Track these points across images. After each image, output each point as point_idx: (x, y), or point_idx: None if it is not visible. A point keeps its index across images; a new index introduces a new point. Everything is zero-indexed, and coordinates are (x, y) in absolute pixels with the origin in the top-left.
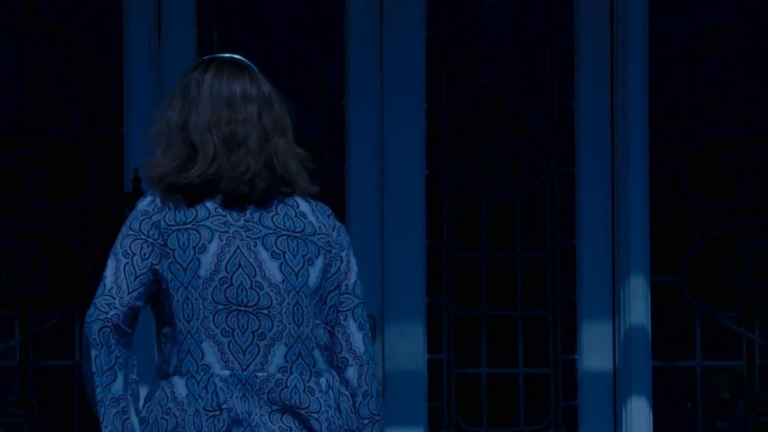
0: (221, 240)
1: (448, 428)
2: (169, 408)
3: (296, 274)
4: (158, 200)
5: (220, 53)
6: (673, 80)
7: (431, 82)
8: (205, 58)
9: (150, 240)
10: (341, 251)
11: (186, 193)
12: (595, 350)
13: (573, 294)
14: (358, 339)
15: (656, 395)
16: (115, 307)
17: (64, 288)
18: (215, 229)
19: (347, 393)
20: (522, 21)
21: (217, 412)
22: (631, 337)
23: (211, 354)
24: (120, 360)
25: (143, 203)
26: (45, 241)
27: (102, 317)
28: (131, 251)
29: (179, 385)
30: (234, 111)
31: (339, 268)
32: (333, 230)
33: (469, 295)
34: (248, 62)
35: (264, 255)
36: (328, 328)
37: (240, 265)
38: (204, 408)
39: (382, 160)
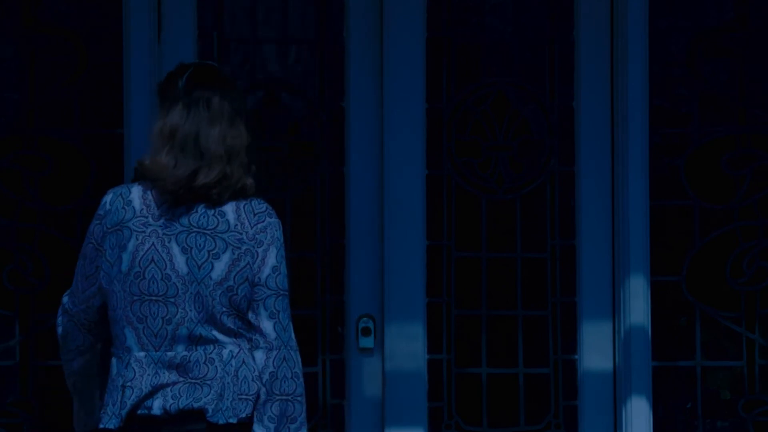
0: (137, 239)
1: (448, 428)
2: (106, 383)
3: (199, 267)
4: (108, 202)
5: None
6: (673, 80)
7: (431, 82)
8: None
9: (95, 244)
10: (257, 247)
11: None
12: (595, 350)
13: (573, 294)
14: (267, 326)
15: (656, 395)
16: (75, 305)
17: (64, 288)
18: (134, 230)
19: (254, 365)
20: (522, 21)
21: (129, 388)
22: (631, 337)
23: (131, 338)
24: (81, 347)
25: (101, 207)
26: (45, 241)
27: (67, 312)
28: (84, 254)
29: (113, 363)
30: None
31: (248, 263)
32: (253, 228)
33: (469, 295)
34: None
35: (175, 250)
36: (241, 315)
37: (153, 260)
38: (122, 384)
39: (382, 160)
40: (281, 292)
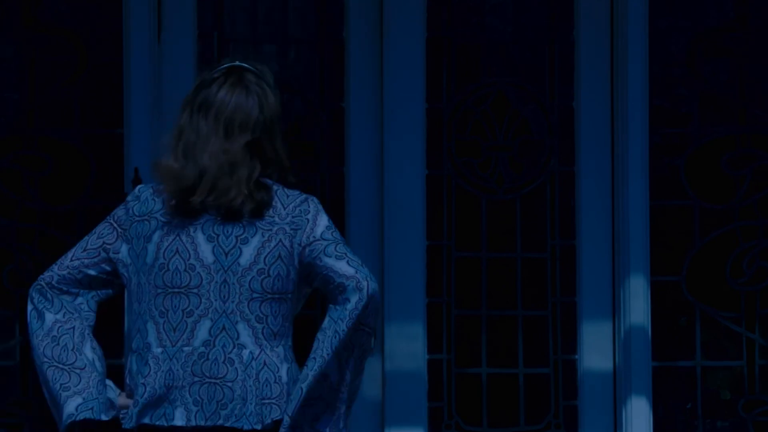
0: (163, 230)
1: (448, 428)
2: (126, 380)
3: (226, 254)
4: (138, 190)
5: (225, 56)
6: (673, 80)
7: (431, 82)
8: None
9: (115, 225)
10: (304, 215)
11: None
12: (595, 350)
13: (573, 294)
14: (341, 266)
15: (656, 395)
16: (51, 271)
17: None
18: (160, 220)
19: (278, 365)
20: (522, 21)
21: (142, 386)
22: (631, 337)
23: (152, 333)
24: (52, 308)
25: (131, 194)
26: (45, 241)
27: (38, 282)
28: (95, 231)
29: (132, 360)
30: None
31: (280, 241)
32: (286, 208)
33: (469, 295)
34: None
35: (200, 239)
36: (276, 296)
37: (177, 251)
38: (141, 382)
39: (382, 160)
40: (340, 241)
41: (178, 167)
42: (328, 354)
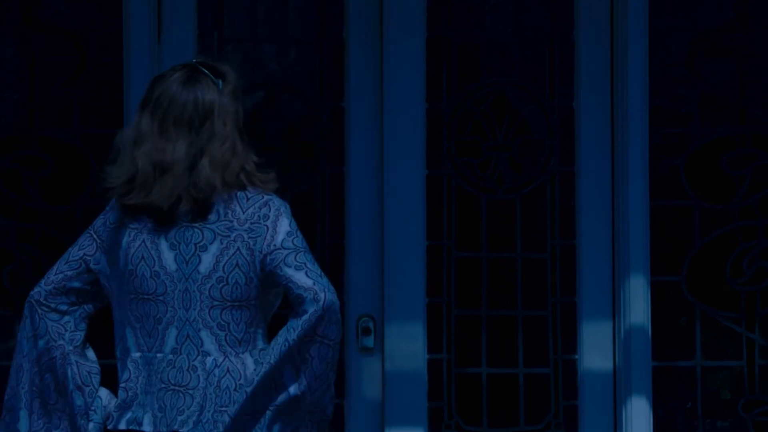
0: (129, 236)
1: (448, 428)
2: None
3: (187, 262)
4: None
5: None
6: (673, 80)
7: (431, 82)
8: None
9: (94, 235)
10: (263, 222)
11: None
12: (595, 350)
13: (573, 294)
14: (299, 277)
15: (656, 395)
16: (39, 287)
17: None
18: (129, 225)
19: (241, 372)
20: (522, 21)
21: (124, 390)
22: (631, 337)
23: (131, 338)
24: (37, 331)
25: (109, 203)
26: (45, 241)
27: (29, 299)
28: (77, 243)
29: (118, 367)
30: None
31: (237, 249)
32: (246, 212)
33: (469, 295)
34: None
35: (164, 246)
36: (236, 304)
37: (143, 257)
38: (121, 386)
39: (382, 160)
40: (301, 249)
41: (116, 167)
42: (274, 359)
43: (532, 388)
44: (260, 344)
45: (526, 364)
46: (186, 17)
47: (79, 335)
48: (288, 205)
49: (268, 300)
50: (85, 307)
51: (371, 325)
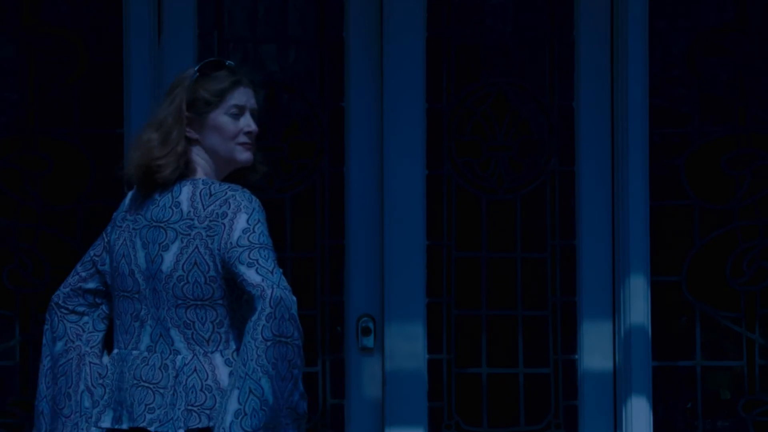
0: (116, 234)
1: (448, 428)
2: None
3: (153, 261)
4: (126, 199)
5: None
6: (673, 80)
7: (431, 82)
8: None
9: (104, 236)
10: (221, 220)
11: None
12: (595, 350)
13: (573, 294)
14: (249, 274)
15: (656, 395)
16: (59, 290)
17: None
18: (117, 224)
19: (208, 372)
20: (522, 21)
21: (101, 387)
22: (631, 337)
23: (115, 335)
24: (56, 333)
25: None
26: (45, 241)
27: (51, 301)
28: (93, 244)
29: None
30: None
31: (196, 247)
32: (207, 209)
33: (469, 295)
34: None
35: (138, 245)
36: (199, 303)
37: (123, 255)
38: (99, 383)
39: (382, 160)
40: (255, 246)
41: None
42: (243, 372)
43: (532, 388)
44: (233, 345)
45: (526, 364)
46: (186, 17)
47: (97, 336)
48: (254, 200)
49: (243, 299)
50: (103, 307)
51: (371, 325)
